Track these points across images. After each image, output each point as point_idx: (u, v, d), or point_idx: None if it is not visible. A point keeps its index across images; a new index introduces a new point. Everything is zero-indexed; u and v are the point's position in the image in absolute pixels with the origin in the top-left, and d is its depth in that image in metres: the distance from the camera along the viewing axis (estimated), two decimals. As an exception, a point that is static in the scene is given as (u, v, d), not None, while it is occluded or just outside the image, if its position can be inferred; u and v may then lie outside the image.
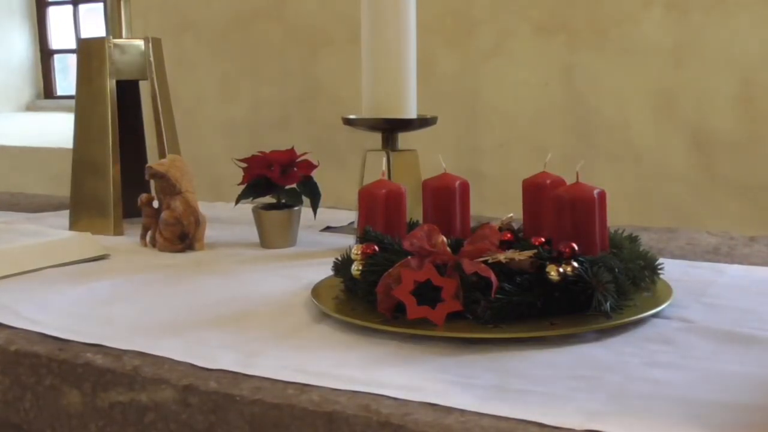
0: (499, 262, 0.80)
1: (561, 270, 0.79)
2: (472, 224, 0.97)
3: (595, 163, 2.31)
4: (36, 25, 3.74)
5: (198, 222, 1.19)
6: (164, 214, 1.19)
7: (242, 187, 1.20)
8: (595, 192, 0.87)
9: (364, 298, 0.85)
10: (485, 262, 0.79)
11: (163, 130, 1.37)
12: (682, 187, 2.30)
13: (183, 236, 1.19)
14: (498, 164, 2.44)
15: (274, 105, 2.88)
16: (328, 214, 1.39)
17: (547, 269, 0.80)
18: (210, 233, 1.22)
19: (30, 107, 3.78)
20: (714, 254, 1.11)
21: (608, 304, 0.79)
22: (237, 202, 1.22)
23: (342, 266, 0.91)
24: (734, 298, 0.90)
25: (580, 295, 0.80)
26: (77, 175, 1.35)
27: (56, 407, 0.78)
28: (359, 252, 0.87)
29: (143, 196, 1.22)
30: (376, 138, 1.16)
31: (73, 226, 1.34)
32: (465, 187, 0.97)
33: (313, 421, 0.65)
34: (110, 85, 1.32)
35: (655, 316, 0.83)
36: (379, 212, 0.94)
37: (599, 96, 2.38)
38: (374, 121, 1.14)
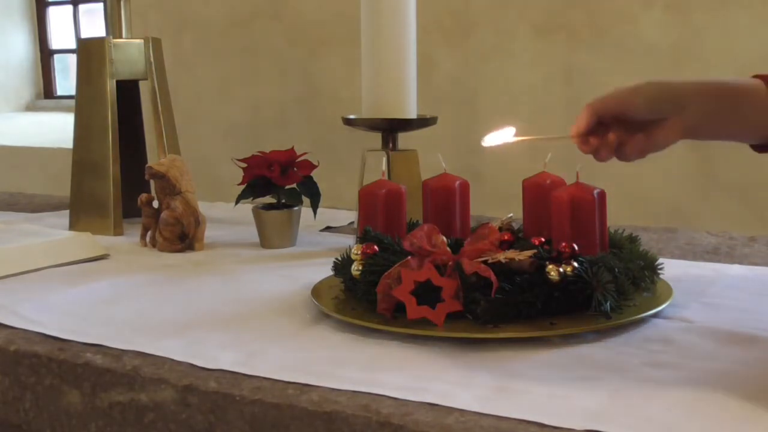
0: (499, 262, 0.80)
1: (561, 270, 0.79)
2: (472, 224, 0.97)
3: (595, 163, 2.30)
4: (36, 25, 3.74)
5: (198, 222, 1.19)
6: (164, 214, 1.19)
7: (242, 187, 1.20)
8: (595, 192, 0.87)
9: (364, 298, 0.85)
10: (485, 262, 0.79)
11: (163, 130, 1.37)
12: (682, 187, 2.30)
13: (183, 236, 1.19)
14: (498, 164, 2.44)
15: (274, 105, 2.88)
16: (328, 214, 1.39)
17: (547, 269, 0.80)
18: (210, 233, 1.22)
19: (30, 107, 3.78)
20: (714, 254, 1.11)
21: (608, 304, 0.79)
22: (237, 202, 1.22)
23: (342, 266, 0.91)
24: (734, 298, 0.90)
25: (580, 295, 0.80)
26: (77, 175, 1.35)
27: (56, 407, 0.78)
28: (359, 252, 0.87)
29: (143, 196, 1.22)
30: (376, 138, 1.16)
31: (72, 226, 1.34)
32: (465, 187, 0.97)
33: (313, 421, 0.65)
34: (110, 85, 1.32)
35: (655, 316, 0.83)
36: (379, 212, 0.94)
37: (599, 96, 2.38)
38: (374, 121, 1.14)
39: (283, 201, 1.20)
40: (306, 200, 1.21)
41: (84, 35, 3.52)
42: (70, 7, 3.68)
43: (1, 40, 3.66)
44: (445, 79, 2.54)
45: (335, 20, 2.70)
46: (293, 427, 0.66)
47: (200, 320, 0.87)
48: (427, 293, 0.79)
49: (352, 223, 1.35)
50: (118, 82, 1.34)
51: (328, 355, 0.76)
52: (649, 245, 1.04)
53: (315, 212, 1.23)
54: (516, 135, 0.85)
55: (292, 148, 1.19)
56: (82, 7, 3.65)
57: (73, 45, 3.58)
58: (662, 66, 2.28)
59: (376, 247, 0.87)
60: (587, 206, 0.86)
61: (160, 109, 1.37)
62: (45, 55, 3.75)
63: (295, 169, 1.19)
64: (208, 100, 3.00)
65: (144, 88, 1.41)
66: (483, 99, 2.52)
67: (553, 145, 0.83)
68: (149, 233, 1.22)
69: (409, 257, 0.82)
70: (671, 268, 0.94)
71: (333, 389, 0.68)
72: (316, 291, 0.91)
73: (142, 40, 1.36)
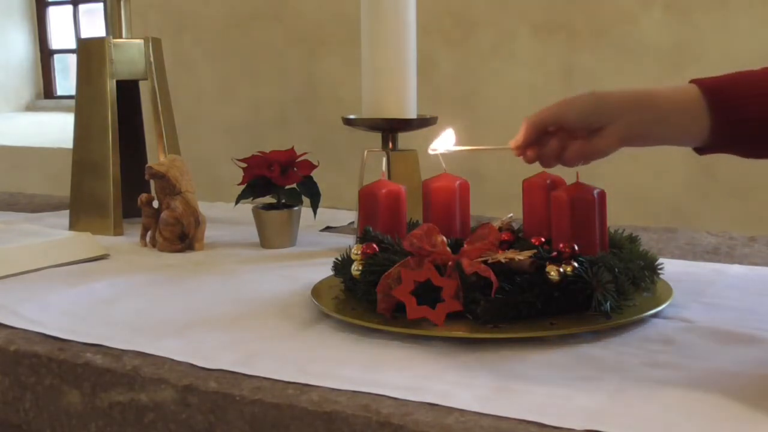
0: (499, 262, 0.80)
1: (561, 270, 0.79)
2: (472, 224, 0.97)
3: (595, 163, 2.30)
4: (36, 25, 3.74)
5: (198, 222, 1.19)
6: (164, 214, 1.19)
7: (242, 187, 1.20)
8: (595, 192, 0.87)
9: (364, 298, 0.85)
10: (485, 262, 0.79)
11: (163, 130, 1.37)
12: (682, 187, 2.30)
13: (183, 236, 1.19)
14: (498, 164, 2.44)
15: (274, 105, 2.88)
16: (328, 214, 1.39)
17: (547, 269, 0.80)
18: (210, 233, 1.22)
19: (30, 107, 3.78)
20: (714, 254, 1.11)
21: (608, 304, 0.79)
22: (237, 202, 1.22)
23: (342, 266, 0.91)
24: (734, 298, 0.90)
25: (580, 295, 0.80)
26: (77, 175, 1.35)
27: (56, 407, 0.78)
28: (359, 252, 0.87)
29: (143, 196, 1.22)
30: (376, 138, 1.16)
31: (72, 226, 1.34)
32: (465, 187, 0.96)
33: (313, 421, 0.65)
34: (110, 85, 1.32)
35: (655, 316, 0.83)
36: (379, 212, 0.94)
37: (599, 96, 2.37)
38: (374, 121, 1.14)
39: (283, 201, 1.21)
40: (306, 200, 1.21)
41: (84, 35, 3.52)
42: (70, 7, 3.68)
43: (1, 40, 3.66)
44: (445, 79, 2.54)
45: (335, 20, 2.70)
46: (293, 427, 0.66)
47: (200, 320, 0.87)
48: (427, 293, 0.79)
49: (352, 223, 1.35)
50: (118, 82, 1.34)
51: (328, 355, 0.76)
52: (649, 245, 1.04)
53: (315, 212, 1.23)
54: (459, 143, 0.90)
55: (292, 148, 1.19)
56: (82, 7, 3.65)
57: (73, 45, 3.58)
58: (662, 66, 2.28)
59: (376, 247, 0.87)
60: (587, 206, 0.86)
61: (160, 109, 1.37)
62: (45, 55, 3.75)
63: (295, 169, 1.19)
64: (208, 100, 3.00)
65: (144, 88, 1.41)
66: (483, 99, 2.52)
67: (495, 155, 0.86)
68: (149, 233, 1.22)
69: (409, 257, 0.82)
70: (671, 268, 0.94)
71: (333, 389, 0.68)
72: (316, 291, 0.91)
73: (142, 40, 1.36)
